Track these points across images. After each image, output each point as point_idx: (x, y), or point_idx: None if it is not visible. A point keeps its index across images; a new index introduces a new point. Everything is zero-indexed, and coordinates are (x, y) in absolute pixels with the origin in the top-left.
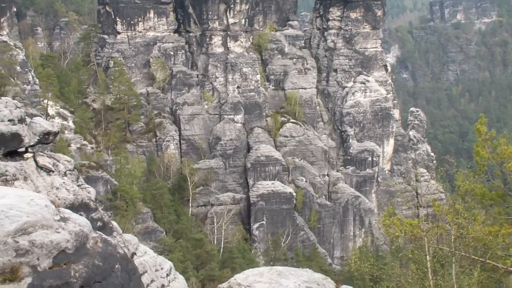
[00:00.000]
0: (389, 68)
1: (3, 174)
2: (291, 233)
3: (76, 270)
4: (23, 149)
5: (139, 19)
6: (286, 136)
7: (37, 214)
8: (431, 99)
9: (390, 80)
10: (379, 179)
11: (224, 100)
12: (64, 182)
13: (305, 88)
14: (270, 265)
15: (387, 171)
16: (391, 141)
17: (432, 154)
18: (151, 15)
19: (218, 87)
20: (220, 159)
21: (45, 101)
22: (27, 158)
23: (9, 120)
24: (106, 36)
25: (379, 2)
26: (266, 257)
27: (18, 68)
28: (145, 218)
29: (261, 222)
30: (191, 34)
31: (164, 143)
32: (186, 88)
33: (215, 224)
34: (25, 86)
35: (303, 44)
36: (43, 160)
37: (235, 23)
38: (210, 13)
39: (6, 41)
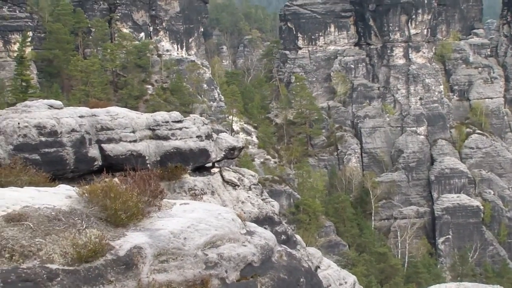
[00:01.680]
0: None
1: (192, 188)
2: (479, 248)
3: (263, 283)
4: (210, 164)
5: (320, 34)
6: (471, 148)
7: (225, 228)
8: None
9: None
10: None
11: (406, 112)
12: (249, 196)
13: (491, 98)
14: (457, 280)
15: None
16: None
17: None
18: (332, 29)
19: (400, 99)
20: (403, 172)
21: (230, 117)
22: (214, 173)
23: (197, 137)
24: (287, 52)
25: None
26: (452, 272)
27: (205, 85)
28: (328, 232)
29: (447, 236)
30: (371, 47)
31: (346, 156)
32: (367, 100)
33: (398, 238)
34: (211, 103)
35: (489, 53)
36: (229, 175)
37: (416, 33)
38: (391, 24)
39: (194, 60)
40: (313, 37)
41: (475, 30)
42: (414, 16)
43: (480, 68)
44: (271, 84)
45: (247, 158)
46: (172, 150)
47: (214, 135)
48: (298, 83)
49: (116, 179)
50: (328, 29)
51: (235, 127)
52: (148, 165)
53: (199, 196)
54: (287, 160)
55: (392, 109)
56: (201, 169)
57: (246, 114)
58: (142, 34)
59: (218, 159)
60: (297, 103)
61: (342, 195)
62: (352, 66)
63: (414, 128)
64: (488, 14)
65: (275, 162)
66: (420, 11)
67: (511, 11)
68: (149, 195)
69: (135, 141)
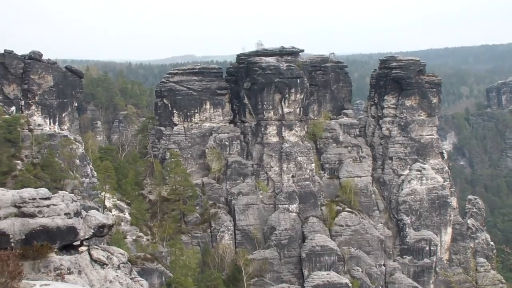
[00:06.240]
0: (445, 155)
1: (58, 268)
2: None
3: None
4: (78, 242)
5: (196, 111)
6: (341, 225)
7: None
8: (489, 186)
9: (446, 168)
10: (437, 269)
11: (279, 190)
12: (117, 275)
13: (360, 177)
14: None
15: (445, 261)
16: (449, 229)
17: (492, 243)
18: (207, 106)
19: (273, 177)
20: (275, 249)
21: (103, 193)
22: (82, 252)
23: (66, 214)
24: (163, 128)
25: (435, 89)
26: None
27: (77, 161)
28: None
29: None
30: (246, 124)
31: (219, 233)
32: (241, 178)
33: None
34: (84, 179)
35: (358, 132)
36: (98, 254)
37: (290, 112)
38: (265, 103)
39: (67, 135)
40: (188, 113)
41: (345, 111)
42: (287, 95)
43: (349, 147)
44: (146, 160)
45: (119, 236)
46: (38, 228)
47: (84, 213)
48: (173, 159)
49: None
50: (204, 106)
51: (108, 203)
52: (12, 244)
53: (64, 276)
54: (160, 238)
55: (265, 186)
56: (68, 248)
57: (120, 190)
58: (13, 108)
59: (86, 237)
60: (172, 179)
61: (214, 273)
62: (227, 143)
63: (286, 206)
64: (357, 95)
65: (148, 240)
66: (293, 90)
67: (378, 93)
68: (6, 277)
69: None
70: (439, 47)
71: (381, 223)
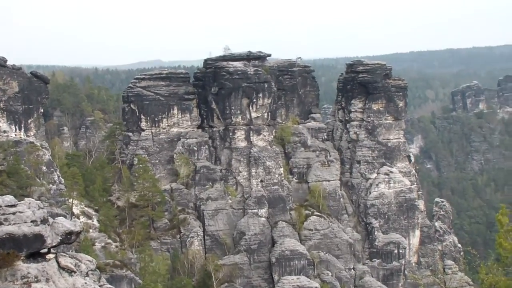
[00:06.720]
0: (412, 158)
1: (25, 276)
2: None
3: None
4: (45, 250)
5: (163, 116)
6: (310, 230)
7: None
8: (456, 189)
9: (414, 171)
10: (406, 272)
11: (247, 194)
12: (86, 283)
13: (328, 180)
14: None
15: (414, 264)
16: (417, 232)
17: (459, 245)
18: (175, 111)
19: (242, 181)
20: (245, 254)
21: (70, 200)
22: (50, 259)
23: (32, 221)
24: (130, 134)
25: (401, 93)
26: None
27: (44, 168)
28: None
29: None
30: (214, 129)
31: (188, 239)
32: (210, 183)
33: None
34: (51, 185)
35: (325, 136)
36: (65, 261)
37: (257, 117)
38: (233, 108)
39: (33, 142)
40: (156, 119)
41: (312, 115)
42: (255, 100)
43: (317, 152)
44: (114, 166)
45: (88, 242)
46: (4, 236)
47: (51, 220)
48: (141, 165)
49: None
50: (172, 111)
51: (76, 210)
52: None
53: (29, 285)
54: (129, 244)
55: (234, 191)
56: (35, 255)
57: (87, 197)
58: None
59: (54, 244)
60: (140, 185)
61: (184, 279)
62: (195, 148)
63: (255, 210)
64: (324, 99)
65: (117, 246)
66: (260, 95)
67: (345, 97)
68: None
69: None
70: (404, 51)
71: (350, 226)
